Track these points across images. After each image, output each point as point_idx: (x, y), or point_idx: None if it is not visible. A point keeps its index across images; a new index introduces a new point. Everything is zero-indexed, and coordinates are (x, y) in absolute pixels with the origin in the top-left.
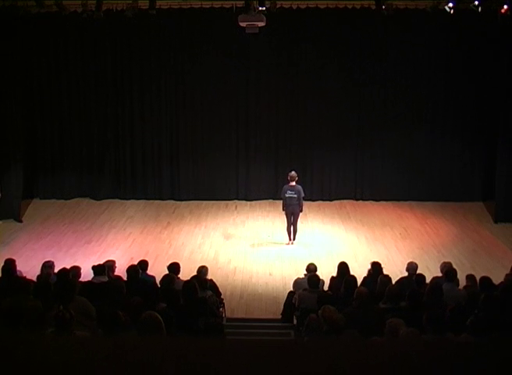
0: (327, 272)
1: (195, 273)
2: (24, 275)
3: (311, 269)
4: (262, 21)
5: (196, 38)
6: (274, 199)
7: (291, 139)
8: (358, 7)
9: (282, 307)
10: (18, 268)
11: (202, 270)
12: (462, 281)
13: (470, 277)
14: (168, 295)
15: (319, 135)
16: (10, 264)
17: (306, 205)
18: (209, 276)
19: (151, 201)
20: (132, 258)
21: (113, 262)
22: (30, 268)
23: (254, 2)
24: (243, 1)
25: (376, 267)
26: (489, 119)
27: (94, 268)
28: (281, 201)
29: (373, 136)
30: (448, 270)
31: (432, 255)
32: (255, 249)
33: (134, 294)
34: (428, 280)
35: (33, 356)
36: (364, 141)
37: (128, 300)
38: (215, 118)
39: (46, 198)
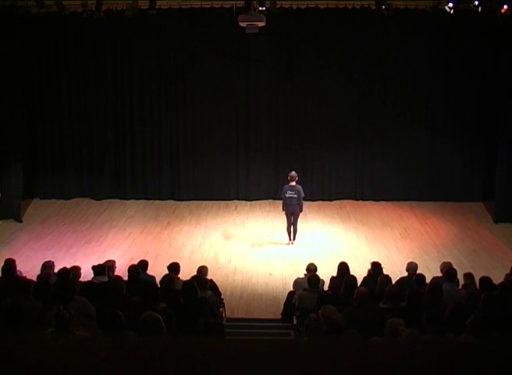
0: (327, 272)
1: (195, 273)
2: (24, 275)
3: (311, 269)
4: (262, 21)
5: (196, 38)
6: (274, 199)
7: (291, 139)
8: (358, 7)
9: (282, 307)
10: (18, 268)
11: (202, 270)
12: (462, 281)
13: (468, 276)
14: (168, 295)
15: (319, 135)
16: (10, 264)
17: (306, 205)
18: (209, 276)
19: (151, 201)
20: (132, 258)
21: (113, 262)
22: (30, 268)
23: (254, 2)
24: (243, 1)
25: (376, 267)
26: (489, 119)
27: (94, 268)
28: (281, 201)
29: (373, 136)
30: (448, 270)
31: (432, 255)
32: (255, 249)
33: (134, 294)
34: (428, 280)
35: (33, 356)
36: (364, 141)
37: (128, 300)
38: (214, 118)
39: (46, 198)
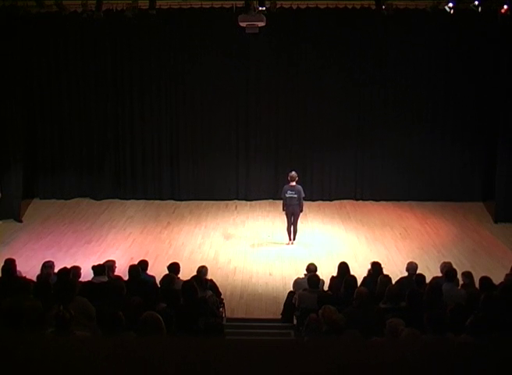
0: (327, 272)
1: (195, 273)
2: (24, 275)
3: (311, 269)
4: (262, 21)
5: (196, 38)
6: (274, 199)
7: (291, 139)
8: (358, 7)
9: (282, 307)
10: (18, 268)
11: (202, 270)
12: (461, 280)
13: (466, 274)
14: (168, 295)
15: (319, 135)
16: (10, 264)
17: (306, 205)
18: (209, 276)
19: (151, 201)
20: (132, 258)
21: (113, 262)
22: (30, 268)
23: (254, 2)
24: (243, 1)
25: (376, 267)
26: (489, 119)
27: (94, 268)
28: (281, 201)
29: (373, 136)
30: (448, 270)
31: (432, 255)
32: (255, 249)
33: (134, 294)
34: (428, 280)
35: (33, 356)
36: (364, 141)
37: (128, 300)
38: (214, 118)
39: (46, 198)
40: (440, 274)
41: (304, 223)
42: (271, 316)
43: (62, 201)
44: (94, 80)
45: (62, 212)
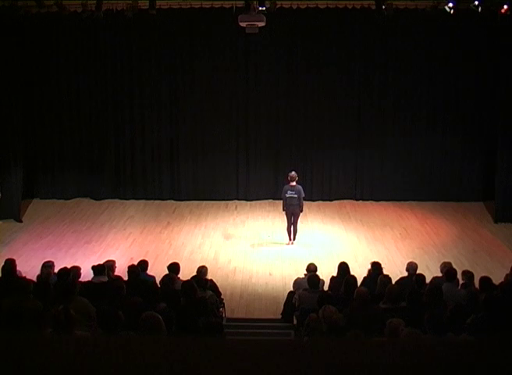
0: (327, 272)
1: (195, 273)
2: (24, 275)
3: (311, 269)
4: (262, 21)
5: (196, 38)
6: (274, 199)
7: (291, 139)
8: (358, 7)
9: (282, 307)
10: (18, 268)
11: (202, 270)
12: (460, 279)
13: (466, 274)
14: (168, 295)
15: (319, 135)
16: (10, 264)
17: (306, 205)
18: (209, 276)
19: (151, 201)
20: (132, 258)
21: (113, 262)
22: (30, 268)
23: (254, 2)
24: (243, 1)
25: (376, 267)
26: (489, 119)
27: (94, 268)
28: (281, 201)
29: (373, 136)
30: (448, 270)
31: (432, 255)
32: (255, 249)
33: (134, 294)
34: (428, 280)
35: (33, 356)
36: (364, 141)
37: (128, 300)
38: (214, 118)
39: (46, 198)
40: (440, 274)
41: (304, 223)
42: (271, 316)
43: (62, 201)
44: (94, 80)
45: (62, 212)
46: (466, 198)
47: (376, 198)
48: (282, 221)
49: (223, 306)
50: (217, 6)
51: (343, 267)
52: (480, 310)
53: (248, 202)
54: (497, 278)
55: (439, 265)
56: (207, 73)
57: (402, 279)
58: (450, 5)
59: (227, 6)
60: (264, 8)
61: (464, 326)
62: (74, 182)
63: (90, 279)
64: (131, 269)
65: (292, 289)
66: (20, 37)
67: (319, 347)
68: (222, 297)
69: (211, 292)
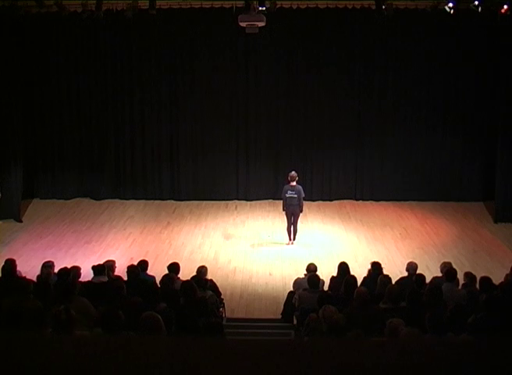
0: (327, 272)
1: (195, 273)
2: (24, 275)
3: (311, 269)
4: (262, 21)
5: (196, 38)
6: (274, 199)
7: (291, 139)
8: (358, 7)
9: (282, 307)
10: (18, 268)
11: (202, 270)
12: (462, 281)
13: (468, 275)
14: (168, 295)
15: (319, 135)
16: (10, 264)
17: (306, 205)
18: (209, 276)
19: (151, 201)
20: (132, 258)
21: (113, 262)
22: (30, 268)
23: (254, 2)
24: (243, 1)
25: (376, 267)
26: (489, 119)
27: (94, 268)
28: (281, 201)
29: (373, 136)
30: (448, 270)
31: (432, 255)
32: (255, 249)
33: (134, 294)
34: (428, 280)
35: (33, 356)
36: (364, 141)
37: (128, 300)
38: (214, 118)
39: (46, 198)
40: (440, 274)
41: (304, 223)
42: (271, 316)
43: (62, 201)
44: (94, 80)
45: (62, 212)
46: (466, 198)
47: (376, 198)
48: (282, 221)
49: (223, 306)
50: (217, 6)
51: (343, 267)
52: (480, 310)
53: (248, 202)
54: (497, 278)
55: (439, 265)
56: (207, 73)
57: (402, 279)
58: (450, 5)
59: (227, 6)
60: (264, 8)
61: (464, 326)
62: (74, 182)
63: (90, 279)
64: (131, 269)
65: (292, 289)
66: (20, 37)
67: (319, 347)
68: (222, 297)
69: (211, 292)
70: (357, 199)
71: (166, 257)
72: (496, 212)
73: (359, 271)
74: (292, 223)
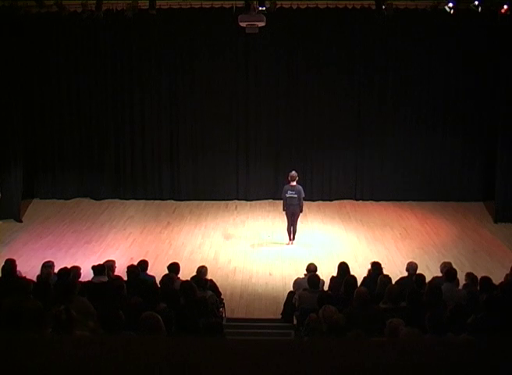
0: (327, 272)
1: (195, 273)
2: (24, 275)
3: (311, 269)
4: (262, 21)
5: (196, 38)
6: (274, 199)
7: (291, 139)
8: (358, 7)
9: (282, 307)
10: (18, 268)
11: (202, 270)
12: (462, 281)
13: (470, 276)
14: (168, 295)
15: (319, 135)
16: (10, 264)
17: (306, 205)
18: (209, 276)
19: (151, 201)
20: (132, 258)
21: (113, 262)
22: (30, 268)
23: (254, 2)
24: (243, 1)
25: (376, 267)
26: (489, 119)
27: (94, 268)
28: (281, 201)
29: (373, 136)
30: (448, 270)
31: (432, 255)
32: (255, 249)
33: (134, 294)
34: (428, 280)
35: (33, 356)
36: (364, 141)
37: (128, 300)
38: (214, 118)
39: (46, 198)
40: (440, 274)
41: (304, 223)
42: (271, 316)
43: (62, 201)
44: (94, 80)
45: (62, 212)
46: (466, 198)
47: (376, 198)
48: (282, 221)
49: (223, 306)
50: (217, 6)
51: (343, 267)
52: (480, 310)
53: (248, 202)
54: (497, 278)
55: (439, 265)
56: (207, 73)
57: (402, 279)
58: (450, 5)
59: (227, 6)
60: (264, 8)
61: (464, 326)
62: (74, 182)
63: (90, 279)
64: (131, 269)
65: (292, 289)
66: (20, 37)
67: (319, 347)
68: (222, 297)
69: (211, 292)
70: (357, 199)
71: (166, 257)
72: (496, 212)
73: (359, 271)
74: (292, 223)
